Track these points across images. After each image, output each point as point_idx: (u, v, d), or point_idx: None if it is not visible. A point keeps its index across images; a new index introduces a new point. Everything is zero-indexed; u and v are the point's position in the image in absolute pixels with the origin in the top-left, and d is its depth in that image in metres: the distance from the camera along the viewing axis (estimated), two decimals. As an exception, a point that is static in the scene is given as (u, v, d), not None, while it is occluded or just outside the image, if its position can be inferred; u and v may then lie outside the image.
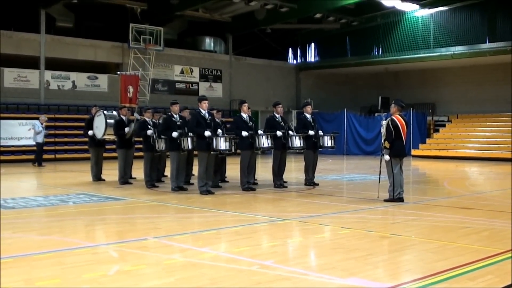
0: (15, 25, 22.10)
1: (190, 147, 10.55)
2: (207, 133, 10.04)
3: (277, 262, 5.12)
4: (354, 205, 9.03)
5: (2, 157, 19.79)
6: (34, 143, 18.40)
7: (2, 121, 20.20)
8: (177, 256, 5.39)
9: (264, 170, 16.12)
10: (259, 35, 28.82)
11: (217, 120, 11.39)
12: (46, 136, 18.47)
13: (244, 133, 10.67)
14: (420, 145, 24.65)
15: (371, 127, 25.60)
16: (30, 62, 22.02)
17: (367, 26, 28.08)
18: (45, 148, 19.32)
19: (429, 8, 25.64)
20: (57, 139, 21.46)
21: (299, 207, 8.93)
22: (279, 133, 11.10)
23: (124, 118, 12.22)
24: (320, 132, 11.80)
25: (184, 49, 26.64)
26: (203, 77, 26.86)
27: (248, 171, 10.89)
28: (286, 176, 12.12)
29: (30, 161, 19.01)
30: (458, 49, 24.36)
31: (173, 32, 26.77)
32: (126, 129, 12.04)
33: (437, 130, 26.33)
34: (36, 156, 18.36)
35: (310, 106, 12.00)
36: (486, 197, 10.27)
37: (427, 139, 25.40)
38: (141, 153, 12.04)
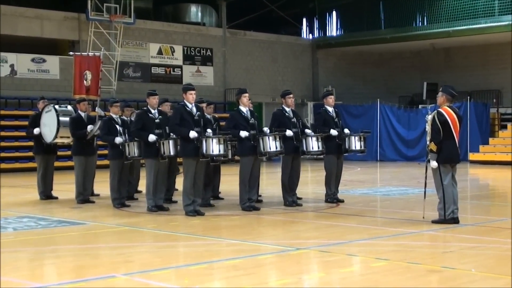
0: None
1: (172, 152, 10.53)
2: (193, 134, 10.01)
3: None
4: (392, 228, 9.02)
5: None
6: None
7: None
8: (155, 299, 5.40)
9: (271, 182, 16.12)
10: (263, 1, 28.88)
11: (207, 116, 11.40)
12: None
13: (244, 133, 10.66)
14: (481, 147, 24.61)
15: (413, 123, 25.56)
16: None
17: (408, -12, 28.11)
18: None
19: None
20: (-9, 144, 21.52)
21: (318, 232, 8.93)
22: (289, 132, 11.10)
23: (83, 115, 12.24)
24: (346, 131, 11.81)
25: (162, 22, 26.68)
26: (189, 58, 26.90)
27: (250, 184, 10.88)
28: (300, 191, 12.11)
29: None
30: (534, 16, 24.33)
31: (147, -2, 26.85)
32: (89, 127, 12.03)
33: (504, 127, 26.29)
34: None
35: (332, 97, 12.01)
36: None
37: (490, 139, 25.34)
38: (106, 162, 12.04)
